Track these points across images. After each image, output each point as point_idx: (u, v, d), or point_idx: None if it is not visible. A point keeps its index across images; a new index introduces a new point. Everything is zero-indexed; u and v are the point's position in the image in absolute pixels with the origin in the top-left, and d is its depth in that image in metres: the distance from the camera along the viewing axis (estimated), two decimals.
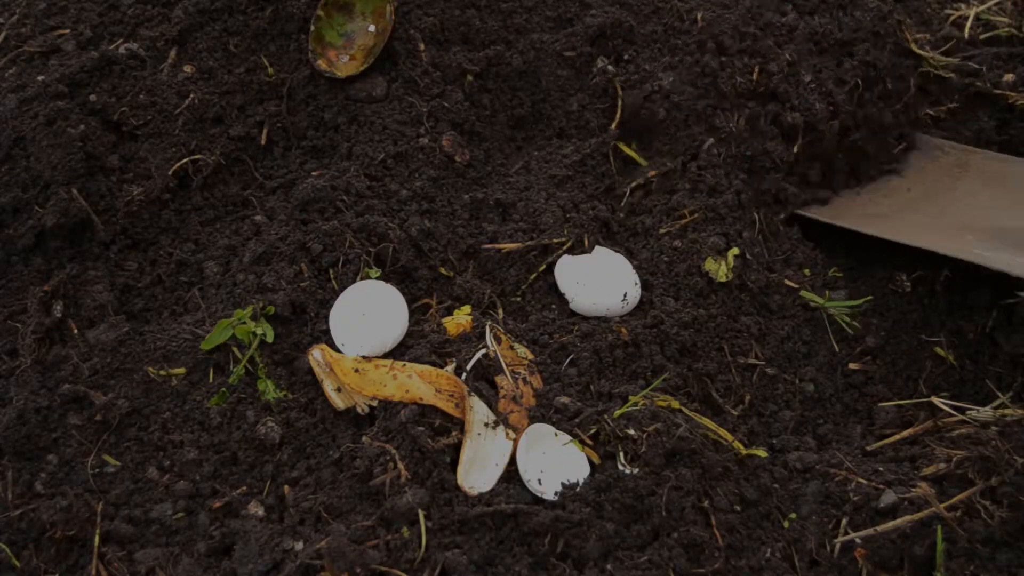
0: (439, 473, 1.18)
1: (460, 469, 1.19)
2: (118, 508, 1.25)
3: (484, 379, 1.29)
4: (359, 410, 1.29)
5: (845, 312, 1.50)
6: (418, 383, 1.25)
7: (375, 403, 1.27)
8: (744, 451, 1.26)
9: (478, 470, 1.20)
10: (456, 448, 1.21)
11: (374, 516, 1.15)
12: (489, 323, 1.36)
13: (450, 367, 1.30)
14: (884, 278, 1.55)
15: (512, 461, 1.21)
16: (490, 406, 1.25)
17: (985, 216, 1.58)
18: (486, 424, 1.23)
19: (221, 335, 1.33)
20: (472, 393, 1.25)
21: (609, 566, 1.12)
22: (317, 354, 1.33)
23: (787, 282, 1.52)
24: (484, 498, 1.17)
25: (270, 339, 1.34)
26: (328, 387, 1.31)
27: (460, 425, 1.23)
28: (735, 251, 1.46)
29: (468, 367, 1.29)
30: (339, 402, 1.30)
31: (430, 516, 1.15)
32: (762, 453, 1.28)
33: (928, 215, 1.61)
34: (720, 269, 1.42)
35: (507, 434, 1.23)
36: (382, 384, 1.27)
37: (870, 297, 1.52)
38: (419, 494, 1.15)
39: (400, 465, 1.18)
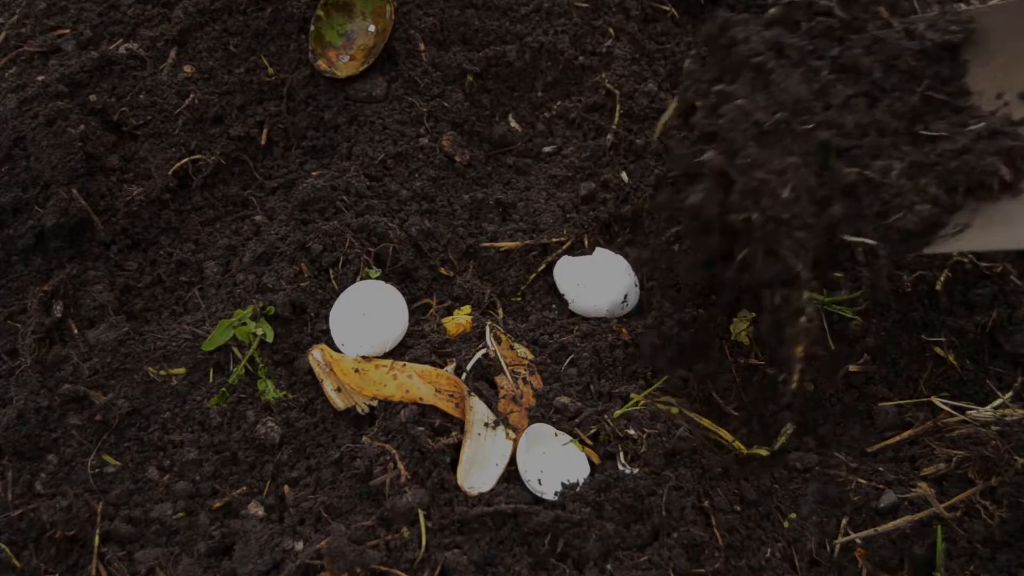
0: (439, 473, 1.18)
1: (460, 469, 1.19)
2: (118, 508, 1.25)
3: (484, 379, 1.29)
4: (359, 410, 1.29)
5: (846, 306, 1.50)
6: (418, 383, 1.25)
7: (375, 403, 1.27)
8: (744, 451, 1.26)
9: (478, 470, 1.20)
10: (456, 448, 1.21)
11: (374, 516, 1.15)
12: (489, 323, 1.36)
13: (450, 367, 1.30)
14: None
15: (512, 461, 1.21)
16: (490, 406, 1.25)
17: None
18: (486, 424, 1.23)
19: (222, 336, 1.34)
20: (472, 393, 1.25)
21: (609, 566, 1.12)
22: (317, 354, 1.33)
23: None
24: (484, 498, 1.17)
25: (270, 339, 1.34)
26: (328, 387, 1.31)
27: (460, 425, 1.23)
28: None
29: (468, 367, 1.29)
30: (339, 402, 1.30)
31: (430, 516, 1.14)
32: (762, 453, 1.28)
33: None
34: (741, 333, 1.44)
35: (507, 434, 1.22)
36: (382, 384, 1.27)
37: (861, 292, 1.51)
38: (419, 494, 1.15)
39: (400, 465, 1.18)
